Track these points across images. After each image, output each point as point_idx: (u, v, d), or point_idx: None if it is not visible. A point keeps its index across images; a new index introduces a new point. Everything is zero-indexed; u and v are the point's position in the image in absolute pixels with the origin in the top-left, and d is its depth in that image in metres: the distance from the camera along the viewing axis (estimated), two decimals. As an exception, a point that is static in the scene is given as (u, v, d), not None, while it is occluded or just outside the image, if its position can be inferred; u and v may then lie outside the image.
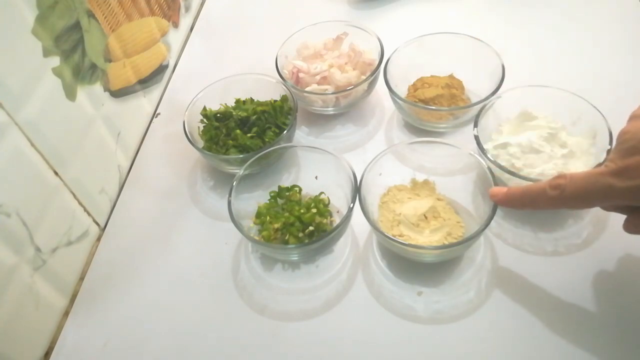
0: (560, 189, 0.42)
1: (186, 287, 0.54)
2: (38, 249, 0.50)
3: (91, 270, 0.57)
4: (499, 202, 0.47)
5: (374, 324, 0.49)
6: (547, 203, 0.43)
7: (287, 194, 0.57)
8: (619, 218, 0.52)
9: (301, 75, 0.65)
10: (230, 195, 0.53)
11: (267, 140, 0.60)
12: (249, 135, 0.60)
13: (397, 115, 0.66)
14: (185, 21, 0.84)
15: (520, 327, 0.47)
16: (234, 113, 0.61)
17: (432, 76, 0.65)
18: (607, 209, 0.46)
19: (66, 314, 0.54)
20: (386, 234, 0.49)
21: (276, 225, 0.53)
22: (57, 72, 0.53)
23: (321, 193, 0.56)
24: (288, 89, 0.63)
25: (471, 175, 0.53)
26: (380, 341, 0.48)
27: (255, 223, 0.55)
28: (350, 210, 0.51)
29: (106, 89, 0.62)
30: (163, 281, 0.55)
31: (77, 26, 0.56)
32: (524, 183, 0.51)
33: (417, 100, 0.62)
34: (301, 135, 0.66)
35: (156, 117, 0.73)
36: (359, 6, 0.83)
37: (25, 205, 0.48)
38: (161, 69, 0.75)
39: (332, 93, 0.63)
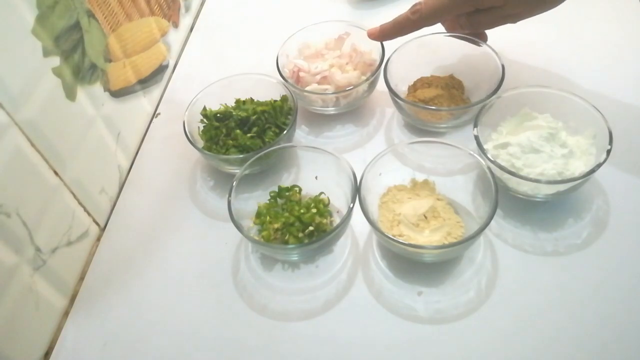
0: (419, 12, 0.57)
1: (186, 287, 0.54)
2: (38, 249, 0.50)
3: (91, 270, 0.57)
4: (376, 37, 0.61)
5: (374, 324, 0.49)
6: (412, 26, 0.59)
7: (287, 194, 0.57)
8: (619, 218, 0.52)
9: (302, 74, 0.65)
10: (230, 195, 0.53)
11: (267, 140, 0.60)
12: (249, 135, 0.60)
13: (397, 115, 0.66)
14: (185, 21, 0.84)
15: (520, 327, 0.47)
16: (234, 113, 0.61)
17: (432, 76, 0.65)
18: (452, 25, 0.61)
19: (66, 314, 0.54)
20: (386, 234, 0.49)
21: (276, 225, 0.53)
22: (57, 72, 0.53)
23: (321, 193, 0.56)
24: (288, 88, 0.63)
25: (471, 175, 0.54)
26: (380, 341, 0.48)
27: (255, 223, 0.55)
28: (350, 210, 0.51)
29: (106, 89, 0.62)
30: (163, 281, 0.55)
31: (77, 26, 0.56)
32: (524, 183, 0.51)
33: (417, 100, 0.62)
34: (301, 135, 0.66)
35: (156, 117, 0.73)
36: (361, 6, 0.83)
37: (25, 205, 0.48)
38: (161, 69, 0.75)
39: (332, 93, 0.63)
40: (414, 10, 0.57)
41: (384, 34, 0.60)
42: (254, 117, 0.60)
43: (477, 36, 0.62)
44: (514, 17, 0.56)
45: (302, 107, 0.66)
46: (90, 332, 0.52)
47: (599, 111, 0.53)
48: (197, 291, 0.54)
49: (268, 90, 0.64)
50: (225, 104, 0.64)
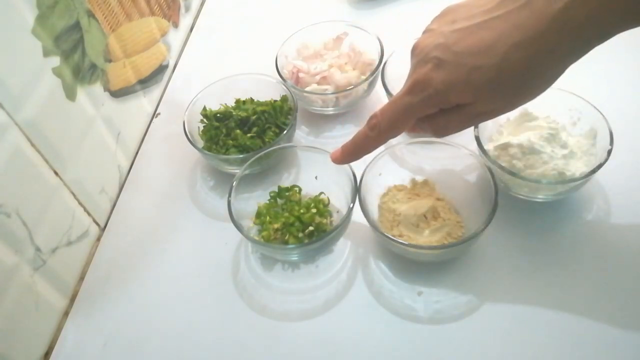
0: (377, 127, 0.46)
1: (186, 287, 0.54)
2: (38, 249, 0.50)
3: (91, 270, 0.57)
4: (339, 161, 0.51)
5: (374, 324, 0.49)
6: (373, 143, 0.48)
7: (287, 194, 0.57)
8: (619, 218, 0.52)
9: (301, 75, 0.65)
10: (230, 195, 0.53)
11: (267, 140, 0.60)
12: (248, 135, 0.60)
13: (397, 115, 0.66)
14: (185, 21, 0.84)
15: (520, 328, 0.47)
16: (234, 113, 0.61)
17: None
18: (414, 129, 0.49)
19: (66, 314, 0.54)
20: (386, 234, 0.49)
21: (276, 226, 0.53)
22: (57, 72, 0.53)
23: (321, 193, 0.56)
24: (288, 89, 0.63)
25: (471, 176, 0.54)
26: (380, 341, 0.48)
27: (255, 223, 0.55)
28: (350, 210, 0.51)
29: (106, 89, 0.62)
30: (163, 281, 0.55)
31: (77, 26, 0.56)
32: (525, 184, 0.51)
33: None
34: (301, 135, 0.66)
35: (156, 117, 0.73)
36: (359, 6, 0.83)
37: (25, 205, 0.48)
38: (161, 69, 0.75)
39: (332, 93, 0.63)
40: (371, 125, 0.47)
41: (344, 157, 0.50)
42: (254, 117, 0.60)
43: None
44: (486, 115, 0.44)
45: (302, 108, 0.66)
46: (90, 332, 0.52)
47: (600, 111, 0.53)
48: (197, 291, 0.54)
49: (268, 90, 0.64)
50: (225, 104, 0.64)
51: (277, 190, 0.57)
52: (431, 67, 0.41)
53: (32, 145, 0.49)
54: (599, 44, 0.38)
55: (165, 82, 0.77)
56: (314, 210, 0.53)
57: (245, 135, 0.60)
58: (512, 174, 0.50)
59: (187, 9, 0.85)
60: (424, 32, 0.45)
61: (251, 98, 0.64)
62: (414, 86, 0.43)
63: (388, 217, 0.54)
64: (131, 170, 0.66)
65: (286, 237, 0.52)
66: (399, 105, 0.45)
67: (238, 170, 0.55)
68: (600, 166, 0.49)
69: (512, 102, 0.42)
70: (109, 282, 0.56)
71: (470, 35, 0.40)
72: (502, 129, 0.57)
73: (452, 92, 0.41)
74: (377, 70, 0.63)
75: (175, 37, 0.80)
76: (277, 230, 0.53)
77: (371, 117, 0.47)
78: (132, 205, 0.63)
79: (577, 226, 0.53)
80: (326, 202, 0.56)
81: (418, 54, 0.43)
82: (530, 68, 0.39)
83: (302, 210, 0.53)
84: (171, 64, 0.79)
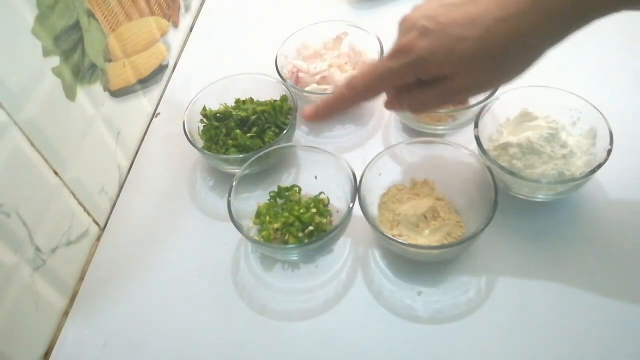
0: (354, 87, 0.47)
1: (186, 287, 0.54)
2: (38, 249, 0.50)
3: (91, 270, 0.57)
4: (312, 118, 0.51)
5: (374, 324, 0.49)
6: (348, 102, 0.49)
7: (287, 194, 0.57)
8: (619, 218, 0.52)
9: (301, 75, 0.65)
10: (230, 195, 0.53)
11: (267, 140, 0.60)
12: (248, 135, 0.60)
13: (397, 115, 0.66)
14: (185, 21, 0.84)
15: (520, 328, 0.47)
16: (234, 113, 0.61)
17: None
18: (393, 104, 0.49)
19: (66, 314, 0.54)
20: (386, 234, 0.49)
21: (276, 226, 0.53)
22: (57, 72, 0.53)
23: (321, 193, 0.56)
24: (288, 89, 0.63)
25: (471, 176, 0.53)
26: (380, 341, 0.48)
27: (255, 223, 0.55)
28: (350, 210, 0.51)
29: (106, 89, 0.62)
30: (163, 281, 0.55)
31: (77, 26, 0.56)
32: (525, 184, 0.51)
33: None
34: (301, 135, 0.66)
35: (156, 117, 0.73)
36: (359, 6, 0.83)
37: (25, 205, 0.48)
38: (161, 69, 0.75)
39: (332, 93, 0.63)
40: (348, 84, 0.48)
41: (318, 115, 0.51)
42: (254, 117, 0.60)
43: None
44: (464, 92, 0.45)
45: (302, 108, 0.66)
46: (90, 332, 0.52)
47: (600, 111, 0.53)
48: (197, 291, 0.54)
49: (268, 90, 0.64)
50: (225, 104, 0.64)
51: (277, 190, 0.57)
52: (417, 35, 0.42)
53: (32, 145, 0.49)
54: (580, 28, 0.39)
55: (165, 82, 0.77)
56: (314, 210, 0.53)
57: (245, 135, 0.59)
58: (512, 174, 0.50)
59: (187, 9, 0.85)
60: (413, 8, 0.46)
61: (251, 98, 0.64)
62: (398, 51, 0.44)
63: (388, 217, 0.54)
64: (131, 170, 0.66)
65: (286, 237, 0.52)
66: (379, 69, 0.46)
67: (238, 170, 0.55)
68: (600, 166, 0.49)
69: (490, 79, 0.43)
70: (109, 282, 0.56)
71: (457, 9, 0.41)
72: (502, 129, 0.57)
73: (435, 61, 0.42)
74: (377, 70, 0.63)
75: (175, 37, 0.80)
76: (277, 230, 0.53)
77: (350, 78, 0.48)
78: (132, 205, 0.63)
79: (577, 226, 0.53)
80: (326, 202, 0.56)
81: (406, 24, 0.44)
82: (513, 43, 0.40)
83: (302, 210, 0.53)
84: (171, 64, 0.79)
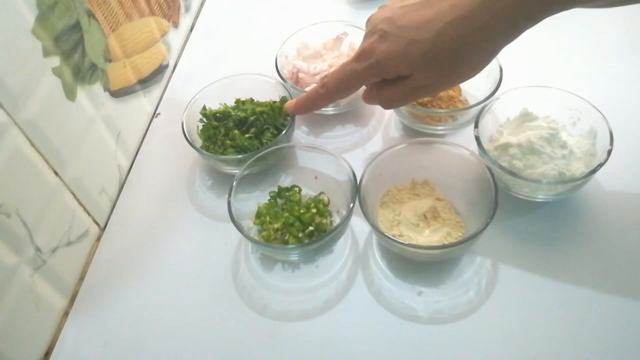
0: (326, 87, 0.52)
1: (186, 287, 0.54)
2: (38, 249, 0.50)
3: (91, 270, 0.57)
4: (292, 111, 0.58)
5: (374, 324, 0.49)
6: (323, 100, 0.54)
7: (287, 194, 0.57)
8: (619, 218, 0.52)
9: (301, 75, 0.65)
10: (230, 195, 0.53)
11: (264, 141, 0.60)
12: (246, 135, 0.59)
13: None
14: (185, 21, 0.84)
15: (520, 327, 0.47)
16: (232, 113, 0.61)
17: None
18: (367, 98, 0.53)
19: (66, 314, 0.54)
20: (386, 234, 0.49)
21: (276, 226, 0.53)
22: (57, 72, 0.53)
23: (321, 193, 0.56)
24: (287, 89, 0.63)
25: (471, 176, 0.53)
26: (380, 341, 0.48)
27: (255, 223, 0.55)
28: (350, 210, 0.51)
29: (106, 89, 0.62)
30: (163, 281, 0.55)
31: (77, 26, 0.56)
32: (525, 184, 0.51)
33: (414, 103, 0.62)
34: (301, 135, 0.66)
35: (156, 117, 0.73)
36: (359, 6, 0.83)
37: (25, 205, 0.48)
38: (161, 69, 0.75)
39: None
40: (322, 83, 0.52)
41: (298, 109, 0.58)
42: (252, 118, 0.60)
43: None
44: (425, 89, 0.47)
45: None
46: (90, 332, 0.52)
47: (600, 111, 0.53)
48: (197, 291, 0.54)
49: (268, 91, 0.64)
50: (225, 103, 0.64)
51: (277, 190, 0.57)
52: (376, 39, 0.46)
53: (32, 145, 0.49)
54: (527, 26, 0.41)
55: (165, 82, 0.77)
56: (314, 210, 0.53)
57: (243, 135, 0.59)
58: (512, 174, 0.50)
59: (187, 9, 0.85)
60: (379, 8, 0.49)
61: (251, 98, 0.64)
62: (361, 54, 0.48)
63: (388, 217, 0.54)
64: (131, 170, 0.66)
65: (286, 237, 0.52)
66: (346, 70, 0.50)
67: (235, 171, 0.55)
68: (600, 166, 0.49)
69: (447, 78, 0.45)
70: (109, 282, 0.56)
71: (414, 11, 0.44)
72: (502, 129, 0.57)
73: (391, 63, 0.45)
74: (377, 70, 0.63)
75: (175, 37, 0.80)
76: (277, 230, 0.53)
77: (323, 77, 0.53)
78: (132, 205, 0.63)
79: (577, 226, 0.53)
80: (326, 202, 0.56)
81: (369, 26, 0.48)
82: (463, 45, 0.42)
83: (302, 210, 0.53)
84: (171, 64, 0.79)
